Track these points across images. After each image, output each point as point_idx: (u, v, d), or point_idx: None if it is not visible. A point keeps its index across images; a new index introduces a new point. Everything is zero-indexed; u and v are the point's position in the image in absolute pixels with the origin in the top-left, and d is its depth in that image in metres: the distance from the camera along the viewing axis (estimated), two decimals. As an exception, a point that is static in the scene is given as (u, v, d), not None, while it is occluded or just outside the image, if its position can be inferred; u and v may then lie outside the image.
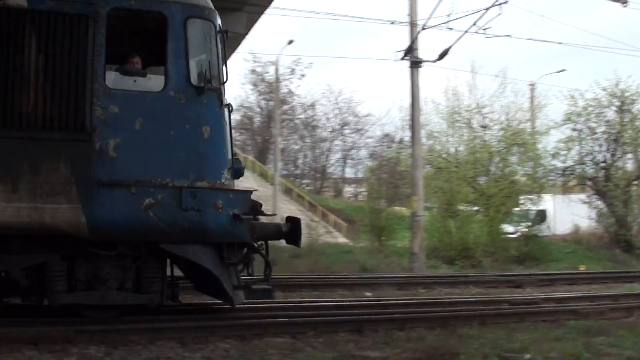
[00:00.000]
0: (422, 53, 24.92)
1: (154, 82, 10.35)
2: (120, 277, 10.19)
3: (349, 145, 69.65)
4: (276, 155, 43.85)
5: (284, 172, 58.94)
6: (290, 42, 44.71)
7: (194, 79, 10.08)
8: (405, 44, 24.74)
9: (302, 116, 68.45)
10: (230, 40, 22.86)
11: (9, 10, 9.53)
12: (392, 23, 26.02)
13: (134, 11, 10.19)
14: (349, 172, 71.36)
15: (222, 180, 10.14)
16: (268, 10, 22.20)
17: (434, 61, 24.58)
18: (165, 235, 9.86)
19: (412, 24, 24.74)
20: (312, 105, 68.33)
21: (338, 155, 70.53)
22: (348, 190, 71.68)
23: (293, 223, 10.97)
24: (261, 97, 66.41)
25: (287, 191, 53.20)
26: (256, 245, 10.79)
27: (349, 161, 70.55)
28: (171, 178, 9.79)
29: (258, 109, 67.83)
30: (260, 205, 10.74)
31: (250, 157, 57.36)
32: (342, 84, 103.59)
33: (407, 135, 45.28)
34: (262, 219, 10.84)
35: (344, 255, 26.83)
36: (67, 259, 10.00)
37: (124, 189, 9.62)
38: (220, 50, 10.48)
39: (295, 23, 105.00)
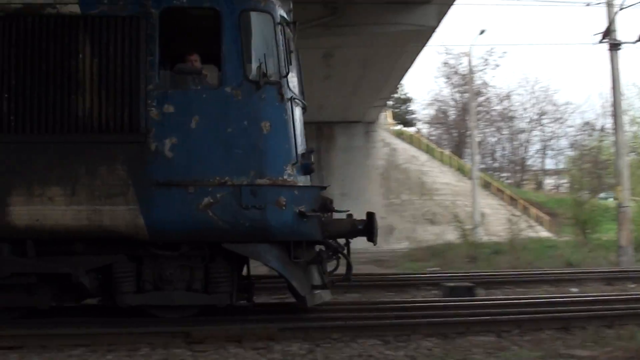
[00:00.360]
0: (621, 34, 23.90)
1: (210, 79, 10.35)
2: (187, 278, 10.20)
3: (548, 136, 68.00)
4: (473, 148, 43.13)
5: (482, 166, 58.05)
6: (482, 32, 44.13)
7: (251, 74, 9.90)
8: (603, 25, 23.80)
9: (498, 107, 67.42)
10: (422, 34, 22.82)
11: (62, 17, 9.83)
12: (588, 5, 25.11)
13: (187, 9, 10.17)
14: (549, 164, 69.57)
15: (285, 177, 9.87)
16: (458, 1, 21.93)
17: (634, 42, 23.50)
18: (226, 234, 9.77)
19: (609, 4, 23.78)
20: (508, 96, 67.21)
21: (537, 146, 68.96)
22: (549, 182, 69.85)
23: (368, 218, 10.48)
24: (455, 90, 66.00)
25: (486, 185, 52.31)
26: (333, 243, 10.50)
27: (549, 152, 68.80)
28: (230, 176, 9.65)
29: (452, 102, 67.40)
30: (331, 201, 10.35)
31: (447, 152, 56.89)
32: (538, 72, 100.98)
33: (608, 122, 43.71)
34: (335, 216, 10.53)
35: (547, 250, 26.08)
36: (134, 260, 10.13)
37: (181, 189, 9.64)
38: (280, 43, 10.19)
39: (487, 12, 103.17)
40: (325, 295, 10.63)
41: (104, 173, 9.65)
